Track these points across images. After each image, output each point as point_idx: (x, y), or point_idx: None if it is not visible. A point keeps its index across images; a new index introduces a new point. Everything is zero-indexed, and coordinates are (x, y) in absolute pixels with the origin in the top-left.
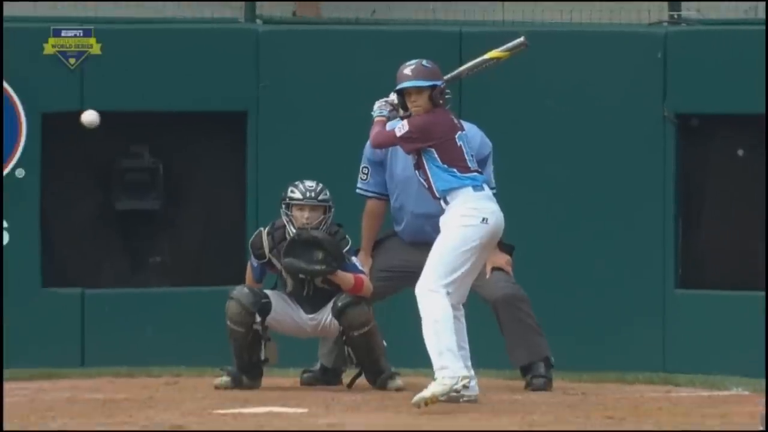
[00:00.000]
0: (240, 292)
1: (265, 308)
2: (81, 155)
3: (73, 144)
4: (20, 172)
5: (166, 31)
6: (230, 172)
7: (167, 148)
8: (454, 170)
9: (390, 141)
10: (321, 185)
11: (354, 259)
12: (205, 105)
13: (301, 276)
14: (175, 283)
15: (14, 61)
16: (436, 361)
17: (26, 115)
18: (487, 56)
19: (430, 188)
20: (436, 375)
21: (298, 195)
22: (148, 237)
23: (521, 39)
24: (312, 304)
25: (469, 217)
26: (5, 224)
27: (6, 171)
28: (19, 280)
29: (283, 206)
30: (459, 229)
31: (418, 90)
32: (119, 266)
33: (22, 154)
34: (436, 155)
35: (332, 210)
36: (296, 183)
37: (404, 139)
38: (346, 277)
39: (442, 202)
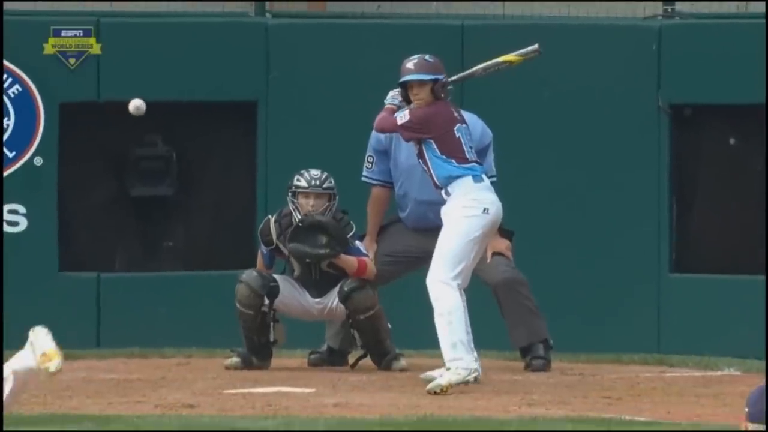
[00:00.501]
0: (249, 275)
1: (273, 291)
2: (97, 144)
3: (90, 133)
4: (38, 160)
5: (180, 25)
6: (241, 160)
7: (180, 136)
8: (453, 161)
9: (391, 127)
10: (326, 174)
11: (358, 243)
12: (217, 95)
13: (306, 260)
14: (188, 267)
15: (30, 51)
16: (449, 352)
17: (44, 105)
18: (500, 59)
19: (431, 177)
20: (449, 365)
21: (303, 183)
22: (162, 223)
23: (535, 46)
24: (318, 288)
25: (470, 207)
26: (23, 210)
27: (24, 159)
28: (37, 264)
29: (290, 194)
30: (462, 220)
31: (420, 83)
32: (133, 251)
33: (40, 142)
34: (435, 146)
35: (336, 197)
36: (302, 172)
37: (404, 128)
38: (350, 261)
39: (443, 192)
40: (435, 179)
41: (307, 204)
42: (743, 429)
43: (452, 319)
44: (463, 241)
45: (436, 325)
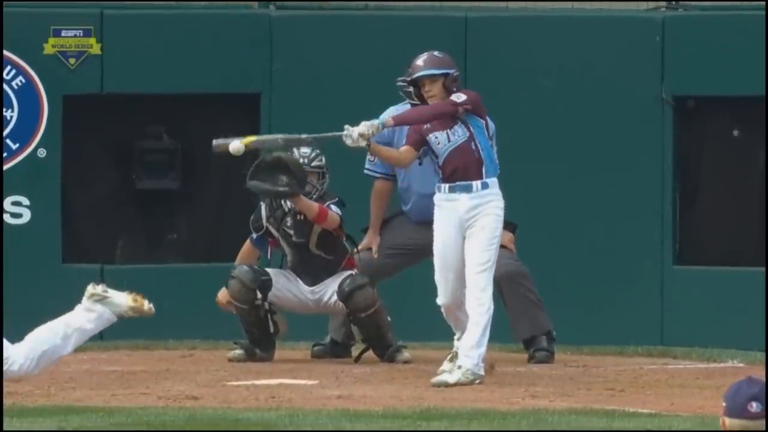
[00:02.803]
0: (240, 270)
1: (265, 285)
2: (102, 136)
3: (94, 125)
4: (42, 152)
5: (183, 16)
6: (245, 153)
7: (185, 129)
8: (495, 150)
9: (452, 109)
10: (316, 152)
11: (333, 206)
12: (221, 87)
13: (266, 199)
14: (191, 259)
15: (34, 43)
16: (470, 350)
17: (47, 97)
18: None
19: (478, 159)
20: (461, 362)
21: None
22: (166, 215)
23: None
24: (311, 275)
25: (503, 208)
26: (27, 202)
27: (28, 151)
28: (40, 256)
29: None
30: (499, 219)
31: (432, 79)
32: (138, 243)
33: (44, 134)
34: (485, 130)
35: (327, 176)
36: (293, 150)
37: (463, 105)
38: (311, 205)
39: (478, 182)
40: (484, 163)
41: None
42: (721, 426)
43: (488, 327)
44: (498, 243)
45: (476, 318)
